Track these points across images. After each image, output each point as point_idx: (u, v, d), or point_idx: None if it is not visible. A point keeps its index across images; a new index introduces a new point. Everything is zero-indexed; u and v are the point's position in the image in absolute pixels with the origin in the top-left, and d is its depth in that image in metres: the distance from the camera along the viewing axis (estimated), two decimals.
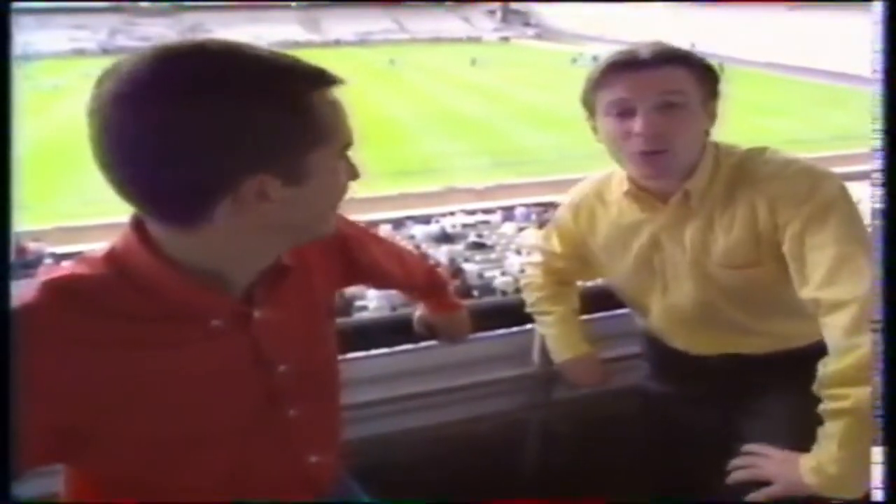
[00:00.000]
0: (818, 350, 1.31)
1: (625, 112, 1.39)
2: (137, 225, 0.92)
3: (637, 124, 1.37)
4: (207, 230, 0.87)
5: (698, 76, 1.40)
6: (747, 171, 1.43)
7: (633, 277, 1.61)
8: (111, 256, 0.93)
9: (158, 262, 0.90)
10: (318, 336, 1.18)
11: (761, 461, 1.33)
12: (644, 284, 1.61)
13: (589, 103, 1.48)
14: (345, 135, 0.93)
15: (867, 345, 1.15)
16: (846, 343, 1.20)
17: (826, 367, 1.23)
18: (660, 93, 1.36)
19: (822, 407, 1.23)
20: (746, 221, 1.41)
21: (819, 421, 1.24)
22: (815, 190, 1.32)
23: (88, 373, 0.85)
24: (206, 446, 0.98)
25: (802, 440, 1.27)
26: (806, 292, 1.31)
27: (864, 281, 1.20)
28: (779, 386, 1.51)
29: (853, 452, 1.16)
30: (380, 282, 1.59)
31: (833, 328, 1.24)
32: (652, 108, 1.36)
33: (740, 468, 1.35)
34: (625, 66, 1.39)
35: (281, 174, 0.86)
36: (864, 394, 1.13)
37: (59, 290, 0.87)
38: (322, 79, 0.89)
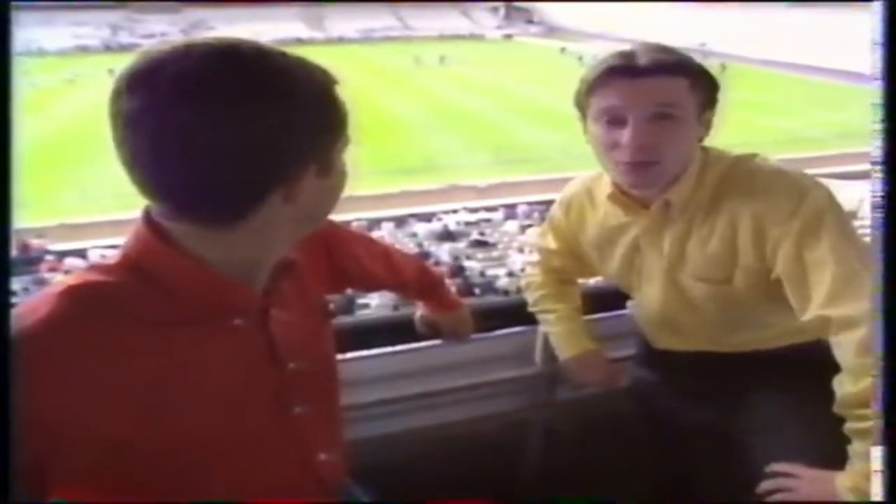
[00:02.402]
0: (795, 352, 1.35)
1: (615, 120, 1.35)
2: (151, 225, 0.90)
3: (625, 135, 1.33)
4: (248, 225, 0.88)
5: (696, 86, 1.36)
6: (732, 183, 1.40)
7: (618, 276, 1.64)
8: (128, 262, 0.91)
9: (186, 262, 0.90)
10: (319, 334, 1.18)
11: (793, 483, 1.30)
12: (627, 282, 1.64)
13: (581, 105, 1.45)
14: (349, 130, 0.96)
15: None
16: (864, 361, 1.18)
17: (845, 387, 1.22)
18: (654, 104, 1.32)
19: (848, 426, 1.22)
20: (725, 236, 1.39)
21: (820, 422, 1.24)
22: (800, 205, 1.30)
23: (120, 383, 0.85)
24: (223, 447, 0.98)
25: (820, 453, 1.26)
26: (811, 311, 1.28)
27: (869, 296, 1.18)
28: (761, 388, 1.51)
29: None
30: (366, 283, 1.56)
31: (847, 346, 1.22)
32: (643, 118, 1.32)
33: (773, 491, 1.32)
34: (621, 73, 1.35)
35: (318, 165, 0.90)
36: None
37: (81, 300, 0.86)
38: (334, 76, 0.92)
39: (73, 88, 32.39)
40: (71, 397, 0.81)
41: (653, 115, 1.33)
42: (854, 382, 1.20)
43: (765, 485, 1.33)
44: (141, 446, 0.88)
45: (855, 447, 1.21)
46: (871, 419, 1.16)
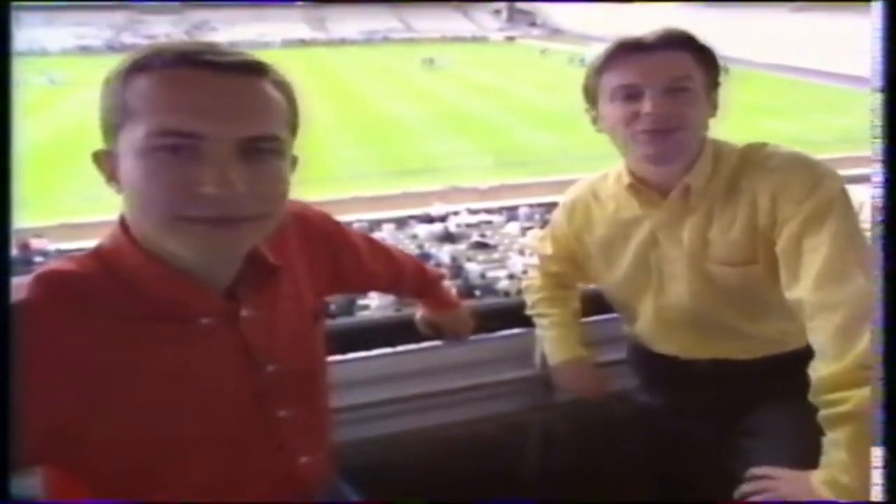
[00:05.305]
0: (802, 356, 1.29)
1: (631, 95, 1.37)
2: (123, 224, 0.93)
3: (646, 105, 1.35)
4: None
5: (702, 62, 1.39)
6: (750, 165, 1.41)
7: (629, 277, 1.59)
8: (99, 254, 0.94)
9: (145, 258, 0.92)
10: (306, 337, 1.17)
11: (773, 484, 1.27)
12: (638, 285, 1.58)
13: (591, 89, 1.46)
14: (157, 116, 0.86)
15: (859, 347, 1.13)
16: (837, 347, 1.17)
17: (818, 373, 1.20)
18: (668, 77, 1.35)
19: (821, 414, 1.19)
20: (747, 218, 1.39)
21: (817, 429, 1.20)
22: (815, 188, 1.30)
23: (80, 372, 0.85)
24: (196, 447, 0.98)
25: (805, 455, 1.23)
26: (793, 293, 1.29)
27: (853, 284, 1.19)
28: (771, 397, 1.49)
29: (861, 456, 1.08)
30: (365, 283, 1.54)
31: (821, 332, 1.21)
32: (661, 91, 1.34)
33: (752, 493, 1.29)
34: (632, 50, 1.37)
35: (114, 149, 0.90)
36: (863, 395, 1.11)
37: (50, 287, 0.87)
38: (134, 65, 0.88)
39: (71, 88, 32.43)
40: (37, 384, 0.82)
41: (668, 89, 1.35)
42: (827, 366, 1.19)
43: (745, 487, 1.30)
44: (90, 437, 0.88)
45: (829, 437, 1.18)
46: (846, 403, 1.14)
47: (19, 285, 0.85)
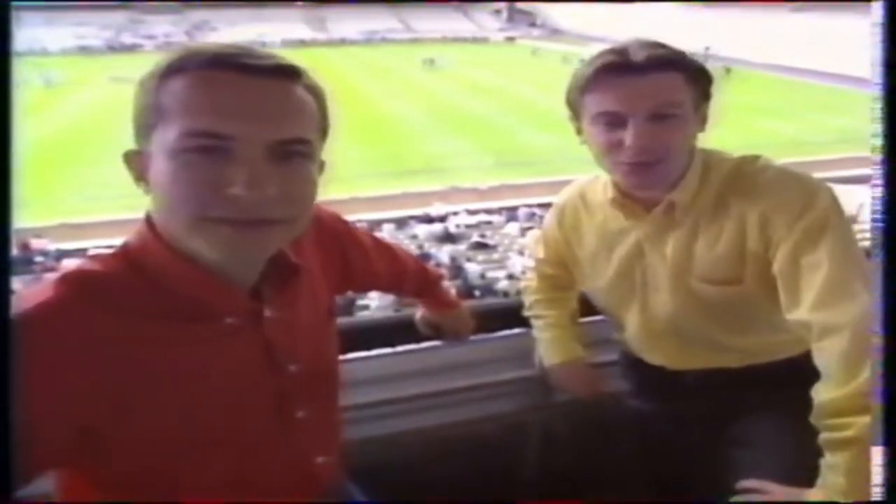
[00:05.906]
0: (794, 364, 1.29)
1: (614, 121, 1.31)
2: (149, 222, 0.93)
3: (627, 136, 1.29)
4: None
5: (692, 80, 1.32)
6: (739, 182, 1.37)
7: (614, 287, 1.57)
8: (126, 253, 0.94)
9: (171, 257, 0.92)
10: (324, 336, 1.18)
11: (763, 498, 1.25)
12: (624, 295, 1.56)
13: (574, 105, 1.40)
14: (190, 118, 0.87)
15: (865, 373, 1.10)
16: (844, 370, 1.14)
17: (822, 396, 1.17)
18: (654, 104, 1.28)
19: (822, 437, 1.17)
20: (734, 237, 1.35)
21: (807, 442, 1.18)
22: (809, 206, 1.26)
23: (106, 371, 0.85)
24: (216, 446, 0.98)
25: (795, 468, 1.22)
26: (796, 314, 1.25)
27: (856, 301, 1.16)
28: (763, 406, 1.48)
29: (860, 481, 1.09)
30: (370, 282, 1.54)
31: (828, 354, 1.18)
32: (644, 119, 1.29)
33: None
34: (616, 71, 1.29)
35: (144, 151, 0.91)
36: (865, 421, 1.08)
37: (76, 286, 0.87)
38: (169, 66, 0.90)
39: (71, 89, 32.41)
40: (46, 381, 0.81)
41: (653, 115, 1.28)
42: (831, 390, 1.16)
43: (735, 499, 1.28)
44: (114, 436, 0.89)
45: (827, 460, 1.15)
46: (849, 428, 1.12)
47: (46, 285, 0.86)
